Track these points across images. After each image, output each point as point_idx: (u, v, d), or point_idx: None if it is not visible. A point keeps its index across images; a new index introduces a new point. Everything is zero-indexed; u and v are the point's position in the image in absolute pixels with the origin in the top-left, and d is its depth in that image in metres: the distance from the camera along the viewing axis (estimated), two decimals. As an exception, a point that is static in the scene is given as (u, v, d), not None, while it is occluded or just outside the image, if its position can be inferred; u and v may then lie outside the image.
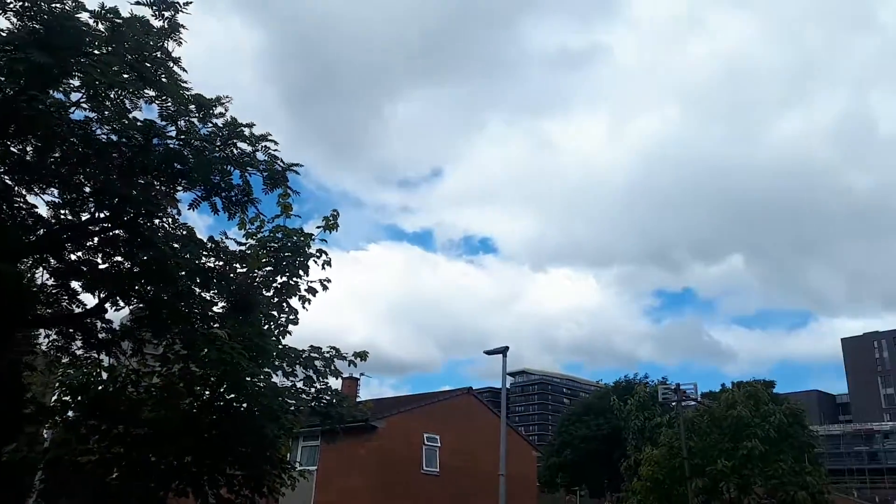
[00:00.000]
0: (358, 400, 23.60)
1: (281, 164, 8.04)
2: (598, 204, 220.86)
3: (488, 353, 24.52)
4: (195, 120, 7.39)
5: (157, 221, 7.96)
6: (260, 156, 7.88)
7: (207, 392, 9.76)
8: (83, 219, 8.07)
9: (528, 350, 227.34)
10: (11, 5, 6.54)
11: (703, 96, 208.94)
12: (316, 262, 9.61)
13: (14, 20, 6.63)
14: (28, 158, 7.39)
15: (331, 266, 9.72)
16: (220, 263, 8.72)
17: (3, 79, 6.48)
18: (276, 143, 7.86)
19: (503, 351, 23.92)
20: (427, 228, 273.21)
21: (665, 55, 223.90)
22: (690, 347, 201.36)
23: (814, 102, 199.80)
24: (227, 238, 8.82)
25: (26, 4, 6.54)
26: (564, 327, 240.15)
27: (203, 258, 8.43)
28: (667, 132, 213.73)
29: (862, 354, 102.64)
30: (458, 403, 32.32)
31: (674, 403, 25.10)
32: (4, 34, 6.43)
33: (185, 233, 8.09)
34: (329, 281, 9.76)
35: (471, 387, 34.34)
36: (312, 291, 9.65)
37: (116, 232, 8.12)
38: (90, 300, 8.86)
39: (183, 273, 8.16)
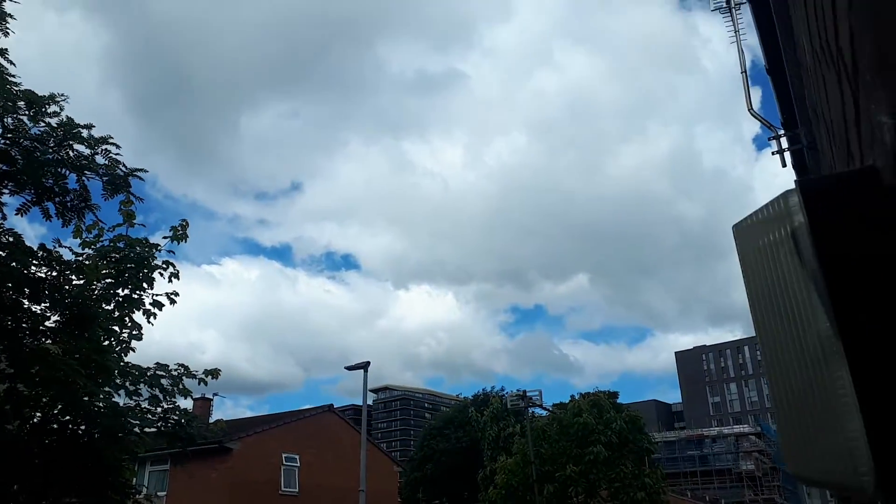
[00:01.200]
0: (211, 420, 22.56)
1: (123, 168, 7.62)
2: (457, 224, 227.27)
3: (349, 368, 24.43)
4: (25, 118, 6.82)
5: (-23, 226, 7.24)
6: (99, 159, 7.41)
7: (39, 414, 9.01)
8: None
9: (391, 367, 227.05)
10: None
11: (552, 127, 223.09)
12: (162, 274, 9.16)
13: None
14: None
15: (178, 279, 9.33)
16: (53, 274, 8.06)
17: None
18: (117, 146, 7.46)
19: (364, 366, 23.92)
20: (286, 243, 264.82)
21: (516, 86, 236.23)
22: (542, 361, 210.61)
23: (649, 138, 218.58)
24: (60, 246, 8.16)
25: None
26: (425, 343, 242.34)
27: (33, 268, 7.75)
28: (520, 160, 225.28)
29: (692, 366, 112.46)
30: (318, 421, 31.77)
31: (529, 412, 26.17)
32: None
33: (10, 239, 7.39)
34: (177, 294, 9.35)
35: (332, 404, 33.93)
36: (158, 305, 9.19)
37: (-72, 237, 7.30)
38: None
39: (9, 284, 7.49)
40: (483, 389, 60.40)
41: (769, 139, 7.42)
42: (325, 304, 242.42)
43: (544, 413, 28.76)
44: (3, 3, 6.49)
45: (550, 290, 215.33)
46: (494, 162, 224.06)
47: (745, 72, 7.52)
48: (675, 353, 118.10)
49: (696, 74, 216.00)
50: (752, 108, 7.54)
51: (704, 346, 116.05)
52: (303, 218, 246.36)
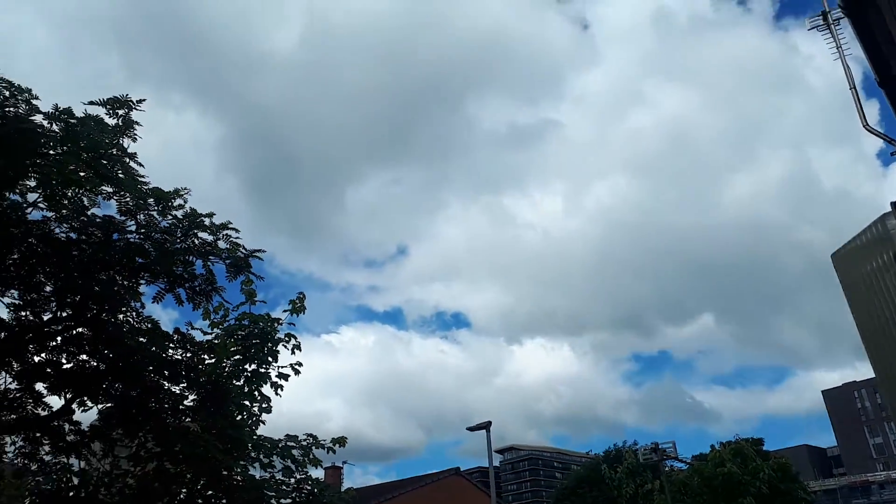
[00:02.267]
0: (342, 489, 22.86)
1: (243, 250, 8.14)
2: (563, 273, 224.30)
3: (471, 429, 24.12)
4: (154, 213, 7.49)
5: (120, 317, 7.91)
6: (221, 244, 7.97)
7: (184, 490, 9.48)
8: (45, 319, 7.99)
9: (514, 425, 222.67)
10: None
11: (652, 165, 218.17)
12: (286, 346, 9.58)
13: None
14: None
15: (301, 350, 9.69)
16: (188, 355, 8.64)
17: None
18: (237, 230, 8.02)
19: (486, 426, 23.54)
20: (396, 306, 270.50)
21: (611, 128, 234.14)
22: (674, 410, 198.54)
23: (759, 163, 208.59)
24: (192, 329, 8.77)
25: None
26: (546, 398, 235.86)
27: (170, 351, 8.35)
28: (621, 200, 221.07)
29: (844, 405, 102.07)
30: (447, 485, 31.51)
31: (665, 465, 24.76)
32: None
33: (149, 326, 8.04)
34: (300, 365, 9.70)
35: (458, 467, 33.59)
36: (284, 377, 9.57)
37: (80, 330, 8.03)
38: (56, 402, 8.67)
39: (151, 368, 8.07)
40: (614, 445, 58.03)
41: (892, 154, 6.87)
42: (441, 364, 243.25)
43: (683, 466, 27.05)
44: (130, 113, 7.23)
45: (673, 333, 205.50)
46: (594, 206, 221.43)
47: (854, 87, 7.04)
48: (822, 391, 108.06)
49: (801, 94, 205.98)
50: (867, 124, 7.03)
51: (855, 381, 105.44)
52: (411, 280, 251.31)
